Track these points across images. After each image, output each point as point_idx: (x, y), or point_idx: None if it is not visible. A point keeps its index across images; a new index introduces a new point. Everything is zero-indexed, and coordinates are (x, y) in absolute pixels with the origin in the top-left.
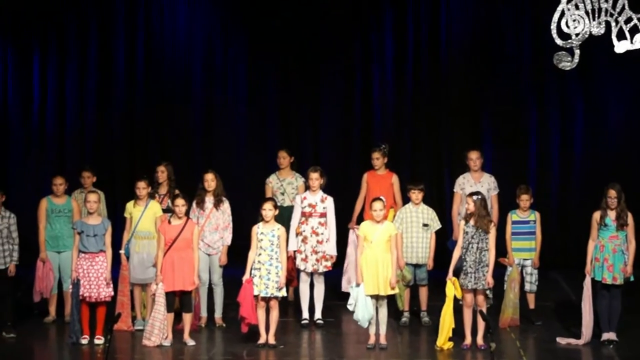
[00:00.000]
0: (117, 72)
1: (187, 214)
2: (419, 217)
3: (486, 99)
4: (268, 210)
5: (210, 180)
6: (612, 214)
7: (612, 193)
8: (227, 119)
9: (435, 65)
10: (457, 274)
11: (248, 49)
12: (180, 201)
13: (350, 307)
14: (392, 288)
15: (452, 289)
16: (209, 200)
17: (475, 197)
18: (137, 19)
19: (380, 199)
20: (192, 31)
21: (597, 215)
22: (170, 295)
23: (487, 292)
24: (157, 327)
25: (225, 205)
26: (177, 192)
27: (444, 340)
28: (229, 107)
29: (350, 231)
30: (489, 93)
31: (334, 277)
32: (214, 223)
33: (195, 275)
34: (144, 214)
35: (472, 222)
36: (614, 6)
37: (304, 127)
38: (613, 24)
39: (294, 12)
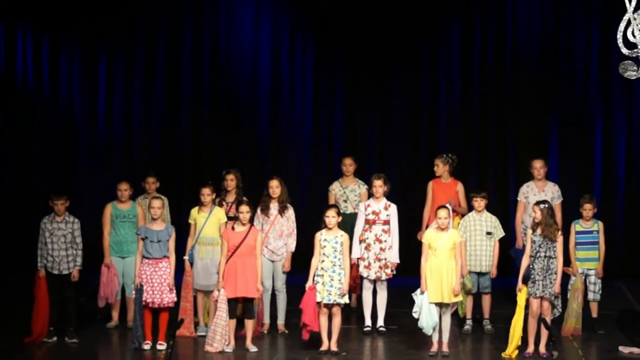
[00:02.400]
0: (183, 78)
1: (251, 220)
2: (482, 225)
3: (552, 107)
4: (331, 217)
5: (275, 187)
6: None
7: None
8: (293, 126)
9: (501, 74)
10: (525, 282)
11: (315, 56)
12: (244, 208)
13: (415, 315)
14: (456, 295)
15: (523, 298)
16: (274, 206)
17: (542, 206)
18: (204, 25)
19: (446, 207)
20: (258, 36)
21: None
22: (232, 302)
23: (555, 302)
24: (220, 333)
25: (290, 212)
26: (244, 198)
27: (513, 349)
28: (295, 115)
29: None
30: (555, 102)
31: (397, 284)
32: (278, 229)
33: (258, 282)
34: (208, 220)
35: (539, 230)
36: None
37: (369, 134)
38: None
39: (361, 23)
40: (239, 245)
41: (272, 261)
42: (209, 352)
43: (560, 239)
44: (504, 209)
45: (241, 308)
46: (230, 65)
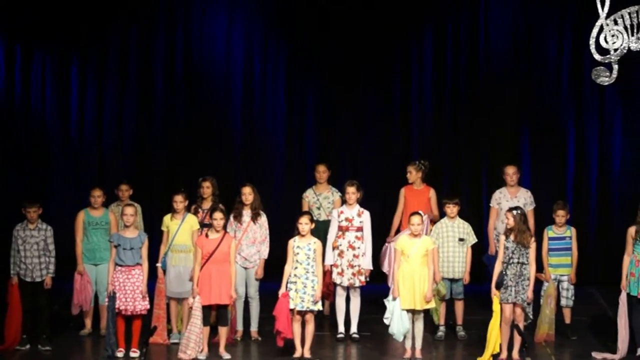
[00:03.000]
0: (156, 85)
1: (224, 227)
2: (454, 231)
3: (525, 114)
4: (304, 224)
5: (247, 194)
6: None
7: None
8: (266, 134)
9: (474, 81)
10: (498, 288)
11: (287, 64)
12: (218, 215)
13: (386, 321)
14: (428, 302)
15: (498, 304)
16: (247, 213)
17: (515, 212)
18: (177, 30)
19: (419, 214)
20: (231, 44)
21: (632, 230)
22: (206, 309)
23: (527, 309)
24: (193, 341)
25: (263, 219)
26: (220, 205)
27: (488, 356)
28: (268, 122)
29: (385, 245)
30: (528, 109)
31: (370, 291)
32: (251, 237)
33: (232, 289)
34: (181, 228)
35: (512, 237)
36: None
37: (342, 141)
38: None
39: (334, 29)
40: (212, 252)
41: (245, 268)
42: (182, 359)
43: (533, 245)
44: (477, 215)
45: (215, 315)
46: (202, 72)
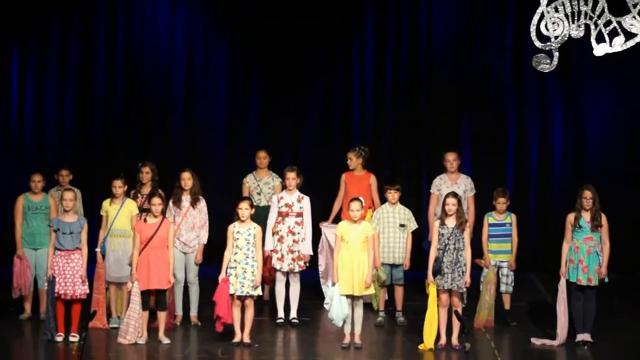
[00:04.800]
0: (97, 71)
1: (163, 212)
2: (395, 217)
3: (465, 101)
4: (244, 209)
5: (187, 179)
6: (586, 216)
7: (588, 194)
8: (207, 119)
9: (415, 68)
10: (435, 276)
11: (228, 51)
12: (156, 200)
13: (326, 306)
14: (367, 288)
15: (434, 290)
16: (186, 198)
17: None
18: (118, 19)
19: (359, 199)
20: (173, 31)
21: (571, 217)
22: (145, 294)
23: (464, 295)
24: (132, 325)
25: (202, 204)
26: (159, 191)
27: (432, 341)
28: (209, 107)
29: (323, 229)
30: (468, 95)
31: (309, 276)
32: (191, 222)
33: (170, 274)
34: (120, 212)
35: (447, 222)
36: (593, 9)
37: (282, 127)
38: (592, 27)
39: (276, 18)
40: (151, 237)
41: (185, 253)
42: (122, 344)
43: (467, 230)
44: (417, 201)
45: (154, 300)
46: (143, 59)
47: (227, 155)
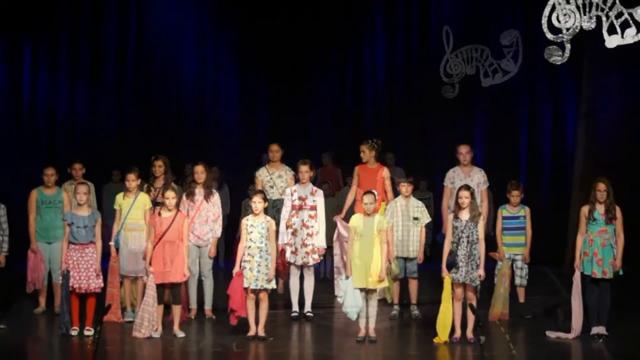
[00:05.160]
0: (108, 65)
1: (177, 206)
2: (409, 210)
3: (478, 93)
4: (257, 202)
5: (200, 173)
6: (601, 208)
7: (602, 186)
8: (219, 113)
9: (428, 61)
10: (450, 269)
11: (239, 45)
12: (170, 193)
13: (340, 300)
14: (381, 281)
15: (449, 283)
16: (199, 192)
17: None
18: (130, 13)
19: (371, 192)
20: (184, 26)
21: (585, 209)
22: (160, 287)
23: (478, 287)
24: (147, 319)
25: (215, 198)
26: (172, 184)
27: (446, 334)
28: (221, 101)
29: (338, 224)
30: (481, 88)
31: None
32: (204, 215)
33: (185, 268)
34: (133, 206)
35: (461, 215)
36: (604, 1)
37: (295, 120)
38: (604, 18)
39: (287, 11)
40: (165, 231)
41: (199, 246)
42: (137, 338)
43: (481, 222)
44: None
45: (168, 294)
46: (154, 54)
47: (239, 148)
